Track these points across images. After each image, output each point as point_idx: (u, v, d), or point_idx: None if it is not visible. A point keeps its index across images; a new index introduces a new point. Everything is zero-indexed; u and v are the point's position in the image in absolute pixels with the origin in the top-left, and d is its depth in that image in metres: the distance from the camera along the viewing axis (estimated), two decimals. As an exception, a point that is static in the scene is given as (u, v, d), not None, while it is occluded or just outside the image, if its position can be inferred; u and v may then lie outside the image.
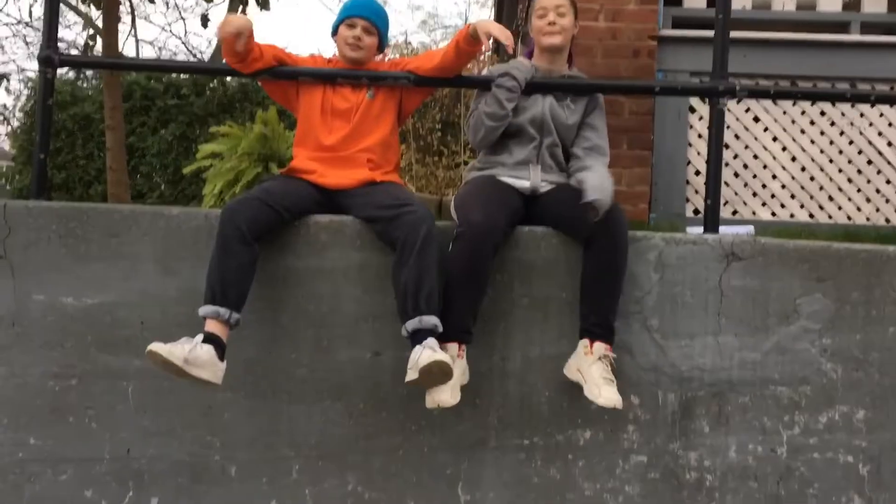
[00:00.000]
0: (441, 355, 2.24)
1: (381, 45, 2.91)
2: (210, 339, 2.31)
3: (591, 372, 2.39)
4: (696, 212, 3.92)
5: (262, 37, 2.74)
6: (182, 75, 8.80)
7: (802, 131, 3.98)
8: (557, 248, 2.61)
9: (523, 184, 2.72)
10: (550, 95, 2.83)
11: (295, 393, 2.60)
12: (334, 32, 2.90)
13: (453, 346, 2.40)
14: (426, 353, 2.25)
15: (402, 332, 2.37)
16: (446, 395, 2.31)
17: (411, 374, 2.27)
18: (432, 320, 2.34)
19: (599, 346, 2.43)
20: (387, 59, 3.22)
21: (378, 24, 2.85)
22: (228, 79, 8.76)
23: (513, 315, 2.61)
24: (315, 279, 2.61)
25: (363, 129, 2.78)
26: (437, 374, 2.27)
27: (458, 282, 2.42)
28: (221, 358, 2.32)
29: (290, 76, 2.85)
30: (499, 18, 6.85)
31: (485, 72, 3.17)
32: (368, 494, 2.60)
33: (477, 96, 2.93)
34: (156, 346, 2.24)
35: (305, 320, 2.60)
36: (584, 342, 2.46)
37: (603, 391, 2.33)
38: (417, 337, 2.33)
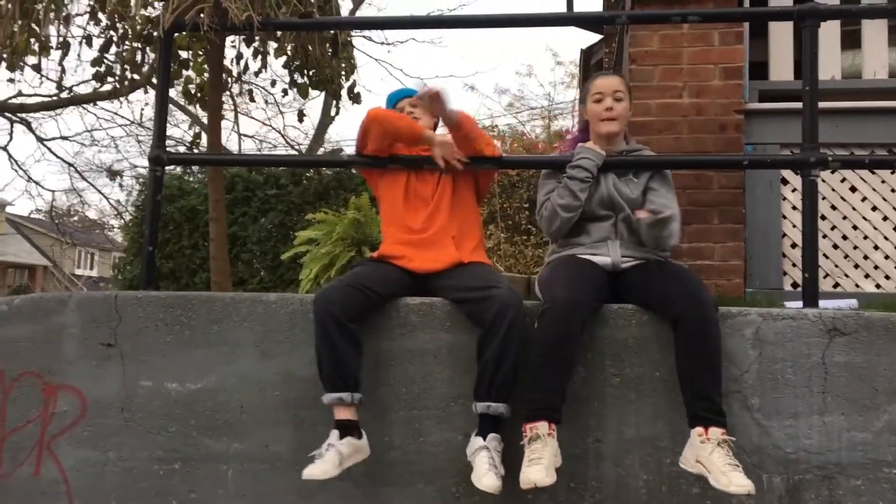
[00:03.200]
0: (492, 482, 2.30)
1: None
2: (344, 426, 2.43)
3: (714, 460, 2.28)
4: (795, 286, 3.80)
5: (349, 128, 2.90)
6: (280, 167, 9.19)
7: (904, 199, 3.84)
8: (648, 326, 2.58)
9: (605, 260, 2.71)
10: (612, 173, 2.83)
11: (387, 476, 2.61)
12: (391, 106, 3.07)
13: (543, 425, 2.36)
14: (481, 466, 2.34)
15: (472, 407, 2.46)
16: (541, 475, 2.25)
17: (473, 476, 2.37)
18: (500, 408, 2.43)
19: (715, 432, 2.33)
20: None
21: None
22: (324, 169, 9.11)
23: (605, 395, 2.57)
24: (406, 361, 2.64)
25: (443, 207, 2.87)
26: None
27: (546, 359, 2.41)
28: (359, 437, 2.45)
29: (378, 166, 2.97)
30: (582, 98, 6.92)
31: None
32: (463, 581, 2.55)
33: (542, 180, 2.96)
34: (310, 473, 2.34)
35: (397, 402, 2.63)
36: (699, 430, 2.35)
37: (733, 479, 2.22)
38: (483, 423, 2.43)
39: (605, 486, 2.54)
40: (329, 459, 2.34)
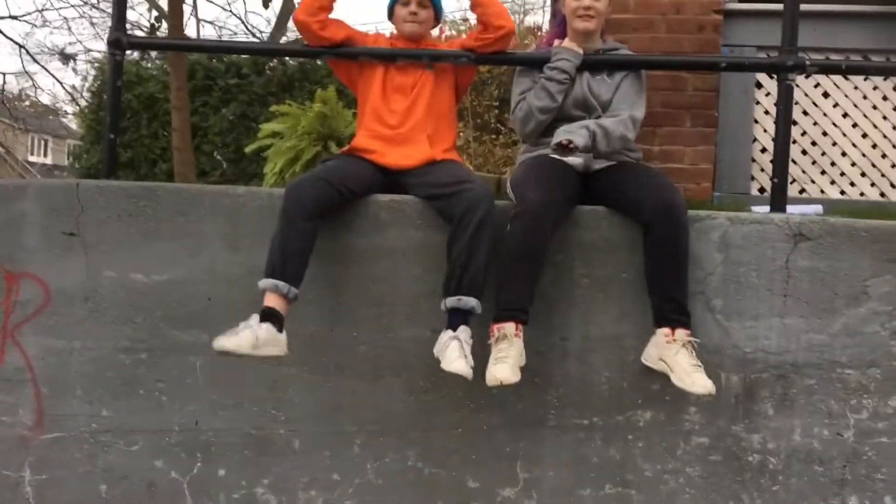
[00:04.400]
0: (461, 366, 2.31)
1: (438, 16, 2.95)
2: (268, 314, 2.37)
3: (679, 360, 2.35)
4: (762, 190, 3.83)
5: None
6: (244, 56, 8.90)
7: (874, 107, 3.84)
8: (618, 228, 2.59)
9: (577, 161, 2.68)
10: (586, 72, 2.78)
11: (356, 369, 2.64)
12: (390, 14, 2.93)
13: (510, 326, 2.39)
14: (451, 353, 2.35)
15: (441, 304, 2.44)
16: (506, 373, 2.30)
17: (439, 356, 2.40)
18: (471, 302, 2.41)
19: (681, 333, 2.39)
20: (444, 35, 3.25)
21: None
22: (288, 58, 8.85)
23: (573, 295, 2.60)
24: (376, 258, 2.63)
25: (421, 103, 2.80)
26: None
27: (516, 260, 2.42)
28: (280, 330, 2.37)
29: (351, 56, 2.89)
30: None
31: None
32: (428, 470, 2.63)
33: (517, 77, 2.90)
34: (221, 344, 2.29)
35: (366, 298, 2.64)
36: (665, 330, 2.41)
37: (696, 379, 2.30)
38: (453, 317, 2.41)
39: (568, 382, 2.61)
40: (244, 337, 2.29)
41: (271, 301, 2.40)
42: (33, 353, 2.71)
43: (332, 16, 2.86)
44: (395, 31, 3.00)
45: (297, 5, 2.92)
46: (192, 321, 2.67)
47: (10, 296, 2.71)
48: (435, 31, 3.02)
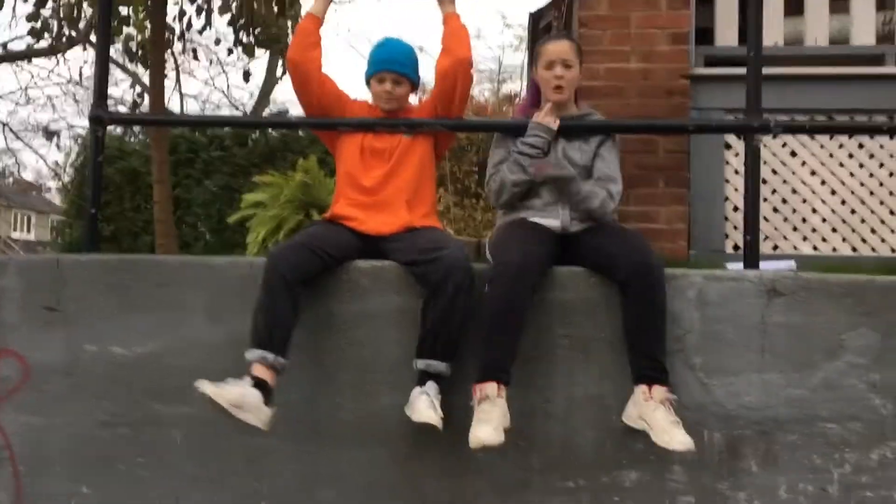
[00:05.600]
0: (431, 415, 2.37)
1: (415, 85, 2.99)
2: (257, 384, 2.35)
3: (656, 417, 2.36)
4: (737, 247, 3.90)
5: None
6: (226, 128, 9.03)
7: (841, 164, 3.96)
8: (595, 288, 2.62)
9: (554, 223, 2.73)
10: (562, 139, 2.84)
11: (338, 437, 2.62)
12: (367, 82, 2.98)
13: (492, 386, 2.40)
14: (420, 405, 2.40)
15: (413, 364, 2.49)
16: (490, 435, 2.29)
17: (410, 413, 2.43)
18: (440, 367, 2.47)
19: (659, 390, 2.41)
20: (424, 96, 3.30)
21: (407, 73, 2.92)
22: (270, 130, 8.98)
23: (554, 356, 2.62)
24: (357, 324, 2.64)
25: (400, 169, 2.84)
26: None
27: (496, 322, 2.44)
28: (267, 403, 2.36)
29: (330, 127, 2.95)
30: (531, 61, 6.92)
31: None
32: (414, 539, 2.60)
33: (493, 147, 2.95)
34: (205, 387, 2.28)
35: (348, 364, 2.64)
36: (642, 388, 2.43)
37: (674, 436, 2.31)
38: (423, 379, 2.47)
39: (552, 443, 2.60)
40: (230, 391, 2.27)
41: (259, 372, 2.39)
42: (12, 430, 2.67)
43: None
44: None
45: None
46: (172, 393, 2.65)
47: (-12, 373, 2.69)
48: (414, 99, 3.08)
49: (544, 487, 2.59)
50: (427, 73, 3.00)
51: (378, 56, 2.93)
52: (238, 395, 2.29)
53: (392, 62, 2.91)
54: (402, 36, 3.01)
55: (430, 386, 2.45)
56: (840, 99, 3.94)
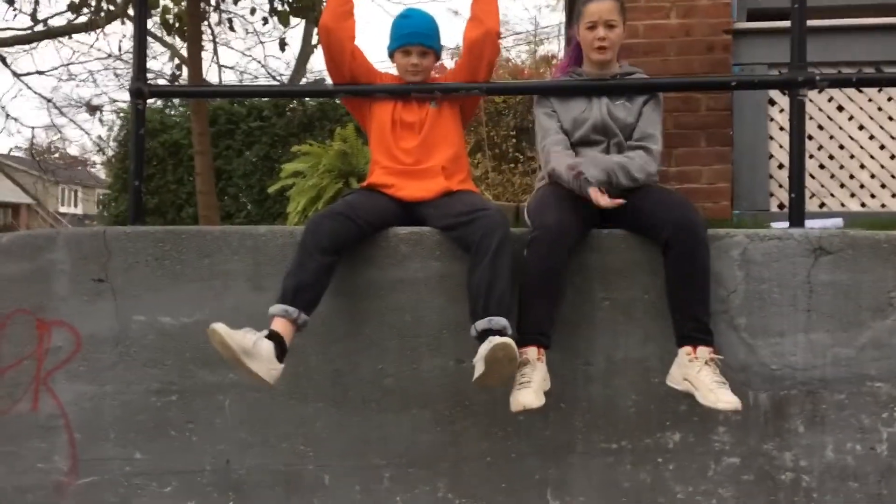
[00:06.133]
0: (504, 339, 2.25)
1: (438, 55, 2.98)
2: (273, 337, 2.36)
3: (702, 378, 2.34)
4: (781, 206, 3.82)
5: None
6: (264, 99, 9.08)
7: (890, 118, 3.84)
8: (637, 250, 2.60)
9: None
10: (605, 97, 2.80)
11: (383, 402, 2.66)
12: (391, 55, 2.96)
13: (532, 350, 2.41)
14: (488, 342, 2.27)
15: (470, 331, 2.40)
16: (531, 398, 2.31)
17: (478, 368, 2.29)
18: (502, 322, 2.37)
19: (703, 351, 2.39)
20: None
21: (432, 45, 2.91)
22: (308, 99, 9.00)
23: (595, 319, 2.61)
24: (397, 290, 2.66)
25: (432, 141, 2.84)
26: (504, 360, 2.26)
27: (535, 285, 2.44)
28: (280, 359, 2.35)
29: (365, 94, 2.94)
30: (569, 21, 6.83)
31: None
32: (459, 501, 2.63)
33: (535, 107, 2.91)
34: (219, 327, 2.27)
35: (389, 331, 2.66)
36: (687, 349, 2.41)
37: (720, 395, 2.28)
38: (485, 337, 2.33)
39: (594, 406, 2.60)
40: (241, 336, 2.27)
41: (278, 326, 2.39)
42: (66, 399, 2.76)
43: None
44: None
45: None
46: (220, 361, 2.70)
47: (42, 344, 2.77)
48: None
49: (587, 449, 2.60)
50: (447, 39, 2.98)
51: (402, 29, 2.91)
52: (250, 343, 2.29)
53: (418, 35, 2.89)
54: (426, 5, 2.98)
55: (495, 337, 2.30)
56: (888, 49, 3.80)
